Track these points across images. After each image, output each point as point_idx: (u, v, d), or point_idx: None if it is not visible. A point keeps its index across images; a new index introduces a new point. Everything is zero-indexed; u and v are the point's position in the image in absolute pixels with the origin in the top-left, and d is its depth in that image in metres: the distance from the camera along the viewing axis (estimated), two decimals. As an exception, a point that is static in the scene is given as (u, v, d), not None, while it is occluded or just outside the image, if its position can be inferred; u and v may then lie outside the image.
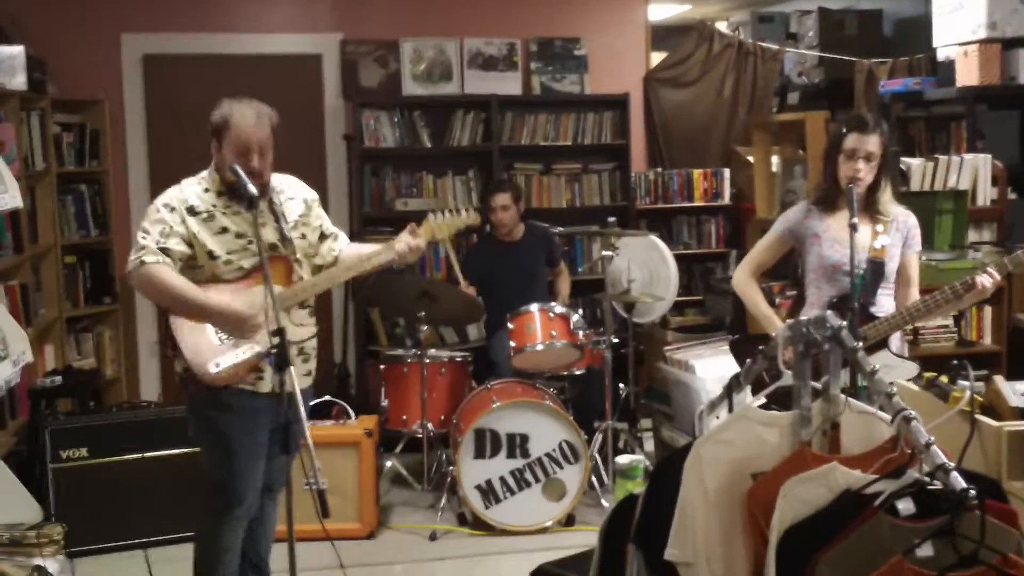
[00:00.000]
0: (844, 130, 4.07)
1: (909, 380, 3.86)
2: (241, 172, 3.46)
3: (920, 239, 4.28)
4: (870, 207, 4.12)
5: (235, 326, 3.61)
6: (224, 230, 3.65)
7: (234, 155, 3.58)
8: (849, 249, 3.90)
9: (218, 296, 3.62)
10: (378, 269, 3.88)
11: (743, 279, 4.38)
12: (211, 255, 3.63)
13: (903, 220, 4.20)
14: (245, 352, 3.60)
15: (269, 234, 3.69)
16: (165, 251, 3.58)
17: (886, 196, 4.14)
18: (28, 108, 6.03)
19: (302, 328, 3.76)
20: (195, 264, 3.64)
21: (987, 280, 3.90)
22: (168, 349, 3.73)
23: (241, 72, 6.86)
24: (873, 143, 4.04)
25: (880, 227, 4.08)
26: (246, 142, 3.59)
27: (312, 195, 3.96)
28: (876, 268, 4.08)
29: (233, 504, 3.76)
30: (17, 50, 5.89)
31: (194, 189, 3.70)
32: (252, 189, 3.38)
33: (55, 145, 6.35)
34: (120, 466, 5.15)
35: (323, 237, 3.93)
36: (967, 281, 3.90)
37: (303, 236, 3.82)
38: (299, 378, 3.55)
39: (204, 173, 3.74)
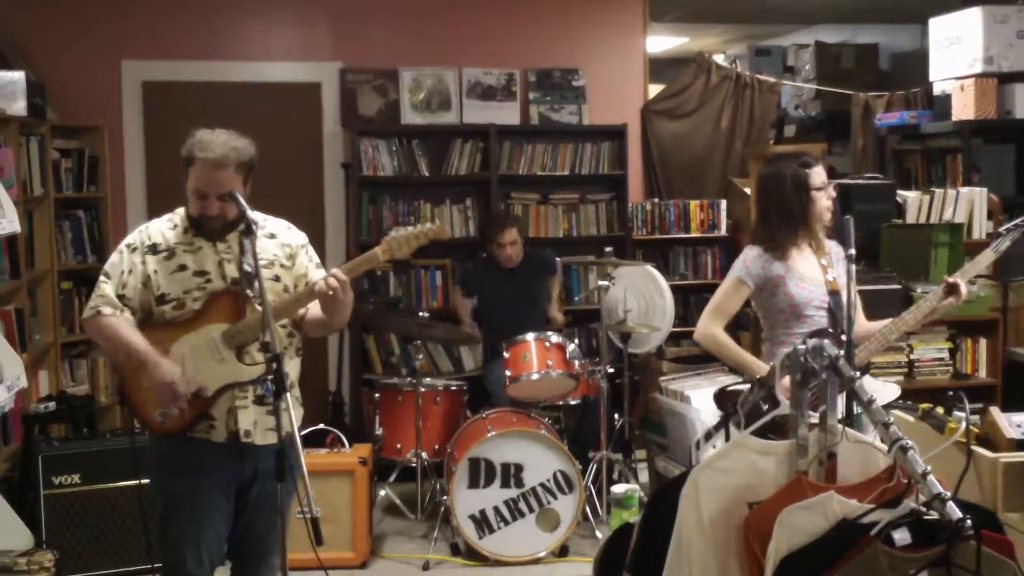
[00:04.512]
0: (806, 170, 4.09)
1: (901, 409, 3.87)
2: (240, 198, 3.38)
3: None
4: (812, 242, 4.15)
5: (162, 386, 3.37)
6: (182, 267, 3.47)
7: (191, 196, 3.44)
8: (814, 285, 4.04)
9: (166, 361, 3.40)
10: (320, 318, 3.52)
11: (711, 330, 4.18)
12: (162, 298, 3.45)
13: (836, 249, 4.22)
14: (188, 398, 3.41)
15: (232, 269, 3.47)
16: (123, 298, 3.46)
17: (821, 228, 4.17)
18: (27, 133, 6.05)
19: (254, 367, 3.44)
20: (148, 309, 3.48)
21: (963, 286, 3.88)
22: (121, 404, 3.60)
23: (240, 100, 6.89)
24: (824, 173, 4.13)
25: (824, 260, 4.11)
26: (202, 187, 3.40)
27: (299, 241, 3.64)
28: (837, 300, 4.08)
29: (172, 570, 3.52)
30: (17, 75, 5.92)
31: (160, 227, 3.54)
32: (251, 215, 3.34)
33: (54, 170, 6.36)
34: (113, 493, 5.11)
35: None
36: (947, 285, 3.89)
37: (276, 278, 3.53)
38: (262, 432, 3.45)
39: (180, 210, 3.57)
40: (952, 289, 3.88)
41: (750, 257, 4.17)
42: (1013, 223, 3.93)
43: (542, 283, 6.53)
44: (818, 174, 4.08)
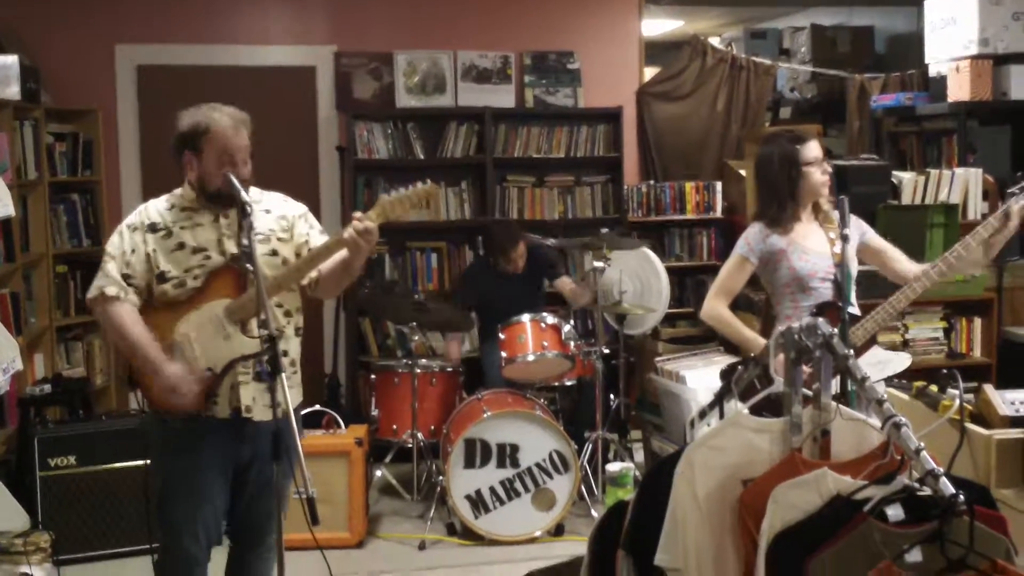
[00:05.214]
0: (796, 146, 4.09)
1: (895, 388, 3.88)
2: (235, 180, 3.39)
3: (867, 225, 4.29)
4: (818, 215, 4.16)
5: (169, 389, 3.38)
6: (181, 246, 3.47)
7: (218, 163, 3.42)
8: (817, 257, 4.06)
9: (168, 364, 3.40)
10: (338, 266, 3.52)
11: (716, 309, 4.25)
12: (162, 276, 3.45)
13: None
14: (198, 376, 3.42)
15: (232, 246, 3.48)
16: (127, 278, 3.45)
17: (826, 202, 4.18)
18: (21, 117, 6.04)
19: (255, 341, 3.35)
20: (150, 286, 3.47)
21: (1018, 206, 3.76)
22: (125, 383, 3.62)
23: (235, 83, 6.86)
24: (819, 148, 4.13)
25: (832, 234, 4.11)
26: (231, 149, 3.42)
27: (296, 211, 3.67)
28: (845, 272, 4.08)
29: (168, 548, 3.54)
30: (11, 60, 5.91)
31: (157, 207, 3.55)
32: (245, 196, 3.33)
33: (48, 154, 6.35)
34: (108, 474, 5.13)
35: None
36: (1002, 213, 3.74)
37: (274, 252, 3.55)
38: (260, 408, 3.45)
39: (177, 190, 3.57)
40: (1007, 216, 3.76)
41: (751, 234, 4.21)
42: None
43: (541, 282, 6.49)
44: (810, 149, 4.08)
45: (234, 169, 3.42)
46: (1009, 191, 3.92)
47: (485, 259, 6.45)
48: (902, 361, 4.02)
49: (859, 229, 4.22)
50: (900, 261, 4.19)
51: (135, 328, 3.43)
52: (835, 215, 4.18)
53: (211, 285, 3.46)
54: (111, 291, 3.45)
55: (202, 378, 3.42)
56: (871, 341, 4.02)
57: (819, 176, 4.09)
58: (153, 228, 3.49)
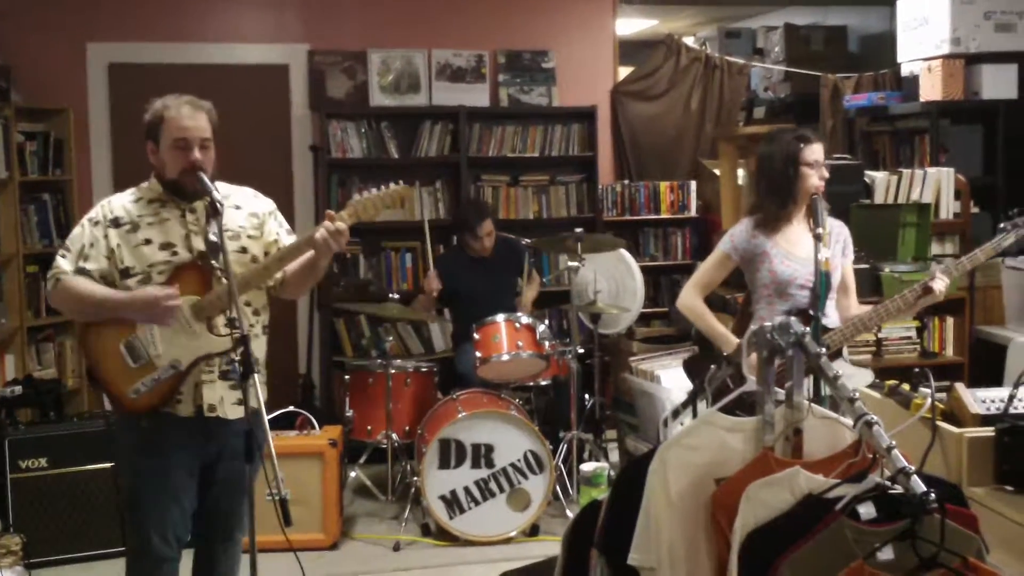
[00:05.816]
0: (801, 144, 4.10)
1: (867, 387, 3.90)
2: (206, 179, 3.35)
3: (852, 248, 4.35)
4: (810, 220, 4.17)
5: (151, 311, 3.32)
6: (147, 241, 3.42)
7: (171, 149, 3.38)
8: (800, 264, 4.08)
9: (138, 289, 3.37)
10: (304, 266, 3.52)
11: (692, 300, 4.33)
12: (126, 272, 3.40)
13: (838, 231, 4.25)
14: (162, 373, 3.39)
15: (200, 242, 3.41)
16: (82, 271, 3.40)
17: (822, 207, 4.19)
18: (-9, 116, 5.99)
19: (221, 340, 3.38)
20: (111, 282, 3.42)
21: (941, 284, 3.97)
22: (90, 383, 3.58)
23: (207, 82, 6.77)
24: (823, 151, 4.15)
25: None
26: (183, 134, 3.37)
27: (266, 207, 3.64)
28: (825, 280, 4.10)
29: (138, 548, 3.51)
30: (-20, 57, 5.86)
31: (122, 201, 3.50)
32: (217, 196, 3.30)
33: (18, 153, 6.29)
34: (80, 476, 5.10)
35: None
36: (924, 284, 3.98)
37: (243, 250, 3.51)
38: (229, 406, 3.44)
39: (144, 183, 3.53)
40: (928, 289, 3.93)
41: (738, 231, 4.22)
42: (1020, 216, 3.94)
43: (513, 272, 6.49)
44: (813, 151, 4.10)
45: (186, 154, 3.37)
46: (1001, 226, 3.96)
47: (458, 246, 6.45)
48: (864, 377, 4.07)
49: (844, 246, 4.25)
50: (849, 297, 4.30)
51: (92, 285, 3.39)
52: (831, 222, 4.19)
53: (175, 281, 3.40)
54: (62, 276, 3.41)
55: (168, 362, 3.39)
56: (836, 354, 4.05)
57: (814, 180, 4.09)
58: (116, 223, 3.44)
